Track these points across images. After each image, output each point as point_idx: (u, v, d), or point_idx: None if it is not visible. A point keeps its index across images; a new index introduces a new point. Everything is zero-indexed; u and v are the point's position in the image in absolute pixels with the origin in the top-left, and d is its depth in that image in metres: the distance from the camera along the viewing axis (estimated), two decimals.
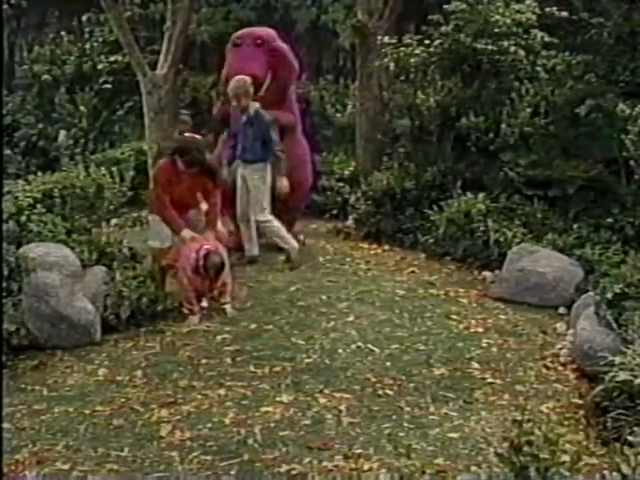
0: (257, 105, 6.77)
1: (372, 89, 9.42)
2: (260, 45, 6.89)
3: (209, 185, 5.89)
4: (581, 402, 4.42)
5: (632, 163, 6.85)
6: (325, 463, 3.73)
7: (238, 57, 6.90)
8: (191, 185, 5.81)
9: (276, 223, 6.87)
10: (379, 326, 5.60)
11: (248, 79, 6.68)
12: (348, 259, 7.41)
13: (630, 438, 3.50)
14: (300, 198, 7.55)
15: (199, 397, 4.49)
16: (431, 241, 7.48)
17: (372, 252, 7.74)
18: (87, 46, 13.31)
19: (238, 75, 6.78)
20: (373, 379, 4.68)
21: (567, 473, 3.01)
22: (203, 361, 5.00)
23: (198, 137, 6.64)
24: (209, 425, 4.14)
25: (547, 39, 8.41)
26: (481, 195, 7.37)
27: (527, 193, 7.49)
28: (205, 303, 5.82)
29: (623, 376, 4.06)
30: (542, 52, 8.45)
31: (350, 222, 8.54)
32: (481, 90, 8.32)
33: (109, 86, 12.61)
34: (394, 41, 9.02)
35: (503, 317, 5.94)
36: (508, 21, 8.17)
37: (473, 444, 3.94)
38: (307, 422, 4.16)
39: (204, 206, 6.00)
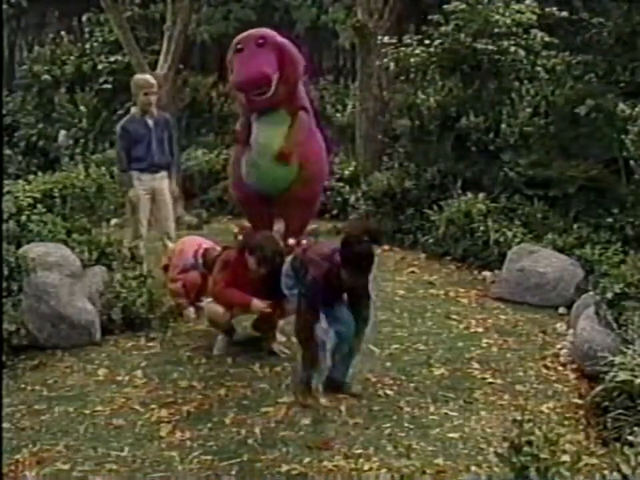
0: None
1: (372, 89, 9.42)
2: (262, 44, 6.80)
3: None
4: (581, 402, 4.42)
5: (632, 162, 6.85)
6: (324, 463, 3.73)
7: (243, 60, 6.78)
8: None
9: None
10: (379, 326, 5.59)
11: (150, 77, 6.55)
12: None
13: (630, 438, 3.49)
14: (316, 195, 7.46)
15: (199, 397, 4.49)
16: (431, 241, 7.48)
17: None
18: (87, 46, 13.32)
19: (247, 78, 6.68)
20: (373, 379, 4.68)
21: (567, 473, 3.01)
22: (203, 361, 5.00)
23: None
24: (209, 425, 4.14)
25: (547, 38, 8.42)
26: (480, 195, 7.38)
27: (527, 193, 7.49)
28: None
29: (622, 376, 4.05)
30: (542, 52, 8.46)
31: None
32: (481, 90, 8.33)
33: (109, 86, 12.61)
34: (394, 41, 9.02)
35: (503, 317, 5.94)
36: (508, 21, 8.17)
37: (473, 444, 3.94)
38: (307, 422, 4.16)
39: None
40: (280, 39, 6.93)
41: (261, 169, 6.97)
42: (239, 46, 6.88)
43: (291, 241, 7.23)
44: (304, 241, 7.46)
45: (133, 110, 6.48)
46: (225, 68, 7.15)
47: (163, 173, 6.56)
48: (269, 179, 6.95)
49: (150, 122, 6.41)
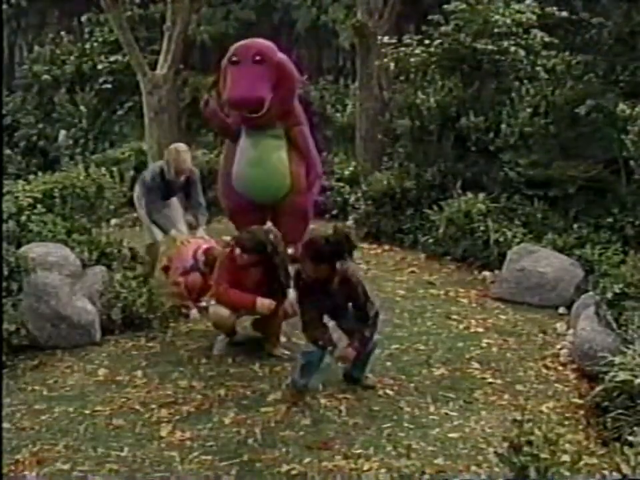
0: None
1: (372, 89, 9.42)
2: (260, 61, 6.67)
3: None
4: (581, 402, 4.42)
5: (632, 163, 6.85)
6: (324, 463, 3.73)
7: (239, 77, 6.61)
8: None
9: None
10: (379, 326, 5.59)
11: (184, 149, 6.35)
12: None
13: (630, 438, 3.50)
14: (310, 203, 7.44)
15: (199, 396, 4.49)
16: (431, 241, 7.48)
17: (372, 252, 7.74)
18: (87, 46, 13.32)
19: (241, 99, 6.57)
20: (373, 379, 4.68)
21: (567, 473, 3.02)
22: (203, 361, 5.00)
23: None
24: (209, 425, 4.14)
25: (546, 39, 8.42)
26: (481, 195, 7.38)
27: (527, 193, 7.49)
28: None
29: (622, 376, 4.06)
30: (542, 52, 8.46)
31: (350, 222, 8.55)
32: (481, 90, 8.33)
33: (109, 86, 12.61)
34: (394, 41, 9.03)
35: (503, 316, 5.94)
36: (508, 20, 8.17)
37: (473, 444, 3.94)
38: (307, 422, 4.16)
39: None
40: (278, 55, 6.81)
41: (255, 180, 6.90)
42: (234, 58, 6.74)
43: (290, 251, 7.18)
44: None
45: (164, 166, 6.29)
46: None
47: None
48: (262, 190, 6.90)
49: (175, 185, 6.36)
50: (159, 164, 6.48)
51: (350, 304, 4.45)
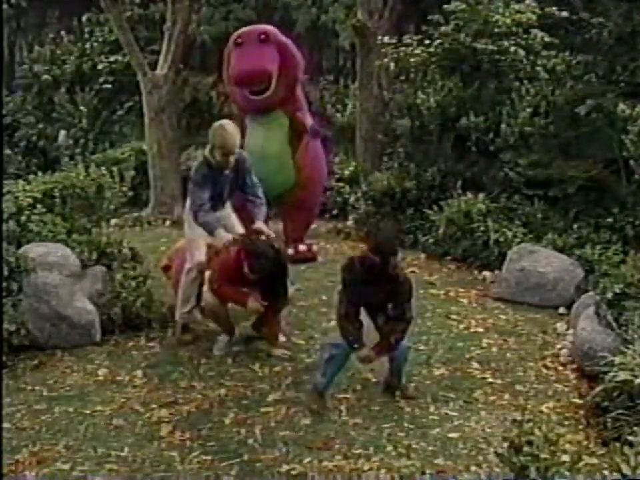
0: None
1: (372, 89, 9.42)
2: (264, 40, 6.66)
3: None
4: (580, 402, 4.42)
5: (632, 162, 6.85)
6: (324, 463, 3.73)
7: (244, 55, 6.59)
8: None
9: None
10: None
11: (231, 127, 5.20)
12: None
13: (630, 438, 3.50)
14: (316, 198, 7.42)
15: (199, 396, 4.49)
16: (431, 241, 7.48)
17: None
18: (87, 46, 13.32)
19: (247, 72, 6.50)
20: (373, 379, 4.68)
21: (567, 473, 3.02)
22: (203, 361, 5.00)
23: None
24: (209, 425, 4.14)
25: (547, 39, 8.42)
26: (481, 195, 7.38)
27: (527, 193, 7.49)
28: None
29: (623, 376, 4.06)
30: (542, 52, 8.46)
31: (350, 222, 8.55)
32: (481, 90, 8.32)
33: (109, 86, 12.61)
34: (394, 41, 9.03)
35: (503, 316, 5.94)
36: (508, 21, 8.18)
37: (473, 444, 3.94)
38: (307, 422, 4.16)
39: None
40: (282, 36, 6.85)
41: (261, 178, 6.84)
42: (239, 40, 6.74)
43: (302, 248, 7.16)
44: (314, 247, 7.40)
45: (207, 152, 5.24)
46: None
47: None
48: (268, 187, 6.84)
49: (224, 175, 5.30)
50: (202, 154, 5.38)
51: (390, 304, 4.33)
